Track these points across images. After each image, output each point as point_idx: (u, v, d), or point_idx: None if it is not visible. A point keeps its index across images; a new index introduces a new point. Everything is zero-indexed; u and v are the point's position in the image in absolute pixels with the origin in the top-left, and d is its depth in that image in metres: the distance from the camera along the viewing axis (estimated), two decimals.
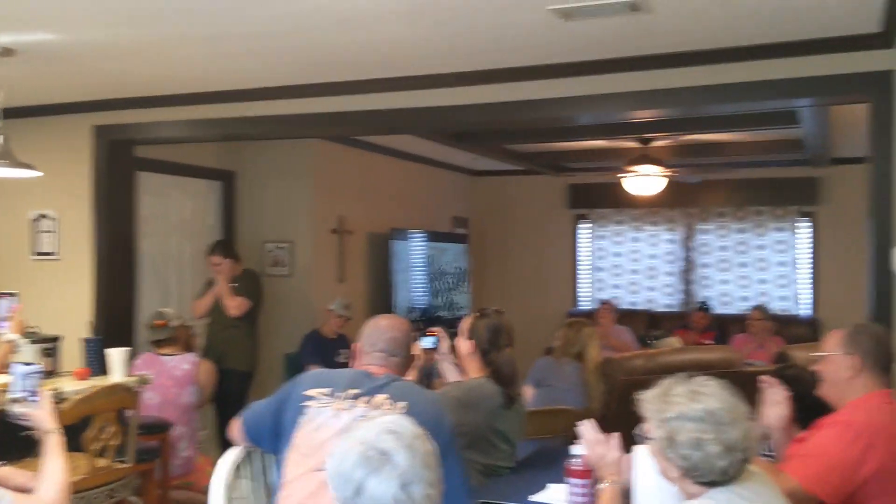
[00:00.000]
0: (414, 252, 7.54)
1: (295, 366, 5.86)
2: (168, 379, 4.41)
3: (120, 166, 5.22)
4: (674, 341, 6.52)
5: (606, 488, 2.18)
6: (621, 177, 7.10)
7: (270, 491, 2.52)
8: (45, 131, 5.19)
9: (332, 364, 5.36)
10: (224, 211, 6.42)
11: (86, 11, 3.23)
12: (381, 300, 7.08)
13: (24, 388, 2.28)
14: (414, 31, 3.48)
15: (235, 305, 5.42)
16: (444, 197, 8.78)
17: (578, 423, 2.32)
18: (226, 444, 5.45)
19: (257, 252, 6.40)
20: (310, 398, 2.37)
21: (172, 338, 4.50)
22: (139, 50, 3.82)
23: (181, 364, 4.43)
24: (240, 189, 6.52)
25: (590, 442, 2.26)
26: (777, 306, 8.10)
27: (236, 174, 6.50)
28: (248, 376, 5.58)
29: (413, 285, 7.51)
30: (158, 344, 4.48)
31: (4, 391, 2.58)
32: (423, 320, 6.86)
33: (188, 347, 4.64)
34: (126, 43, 3.70)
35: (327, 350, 5.74)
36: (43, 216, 5.29)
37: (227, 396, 5.26)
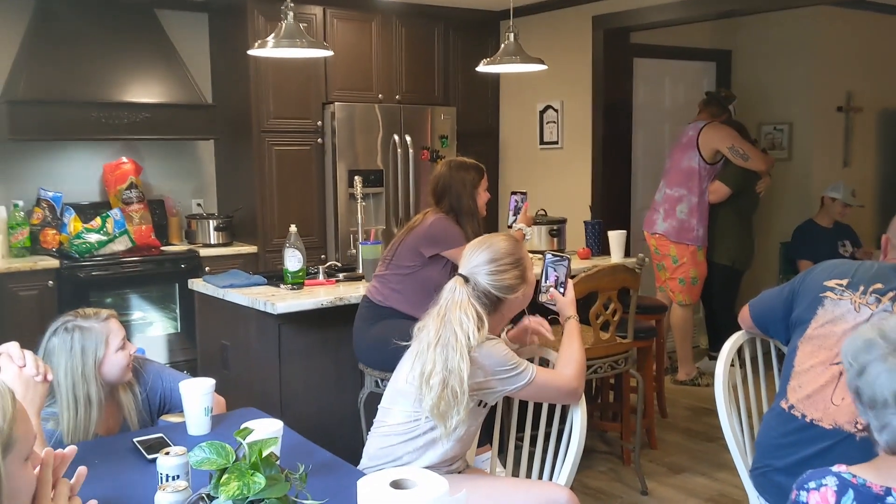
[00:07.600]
0: None
1: (788, 258, 5.54)
2: (676, 146, 5.09)
3: (616, 55, 5.35)
4: None
5: None
6: None
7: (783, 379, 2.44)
8: (550, 26, 5.53)
9: (827, 257, 4.90)
10: None
11: None
12: (894, 187, 6.27)
13: (552, 277, 2.50)
14: None
15: (713, 190, 5.02)
16: None
17: None
18: (713, 337, 5.50)
19: (753, 135, 6.10)
20: (828, 289, 2.20)
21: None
22: None
23: (688, 131, 5.05)
24: (735, 69, 6.22)
25: None
26: None
27: (731, 54, 6.20)
28: (730, 272, 5.15)
29: None
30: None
31: None
32: None
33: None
34: None
35: (822, 241, 5.24)
36: (549, 107, 5.72)
37: (711, 288, 5.15)
